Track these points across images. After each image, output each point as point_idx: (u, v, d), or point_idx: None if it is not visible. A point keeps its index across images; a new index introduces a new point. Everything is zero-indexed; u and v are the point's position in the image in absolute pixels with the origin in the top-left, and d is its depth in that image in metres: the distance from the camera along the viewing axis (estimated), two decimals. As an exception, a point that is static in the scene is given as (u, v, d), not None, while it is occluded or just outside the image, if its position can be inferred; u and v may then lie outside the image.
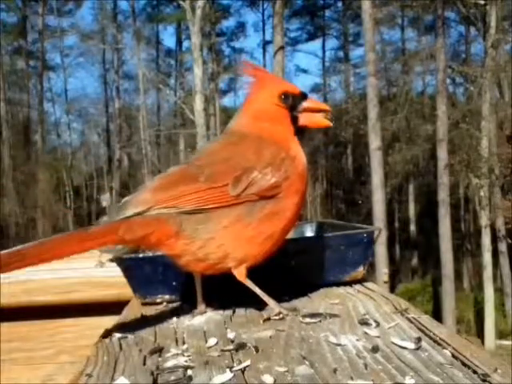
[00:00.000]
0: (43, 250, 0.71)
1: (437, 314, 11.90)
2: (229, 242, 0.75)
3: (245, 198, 0.75)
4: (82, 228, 0.73)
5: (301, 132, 0.83)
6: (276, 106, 0.81)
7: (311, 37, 21.70)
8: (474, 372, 0.54)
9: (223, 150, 0.80)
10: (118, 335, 0.74)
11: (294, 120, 0.82)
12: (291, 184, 0.78)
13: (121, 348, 0.70)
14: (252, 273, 0.78)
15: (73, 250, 0.72)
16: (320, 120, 0.83)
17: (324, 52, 21.66)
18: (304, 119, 0.82)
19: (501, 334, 12.29)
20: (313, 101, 0.82)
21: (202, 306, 0.83)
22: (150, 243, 0.76)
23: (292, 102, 0.81)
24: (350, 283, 0.93)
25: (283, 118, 0.81)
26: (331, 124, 0.83)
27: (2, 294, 1.27)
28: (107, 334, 0.76)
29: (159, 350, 0.66)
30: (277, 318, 0.76)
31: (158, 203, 0.73)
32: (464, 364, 0.56)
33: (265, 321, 0.75)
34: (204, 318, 0.80)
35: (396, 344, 0.63)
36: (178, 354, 0.64)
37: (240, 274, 0.77)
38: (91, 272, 1.35)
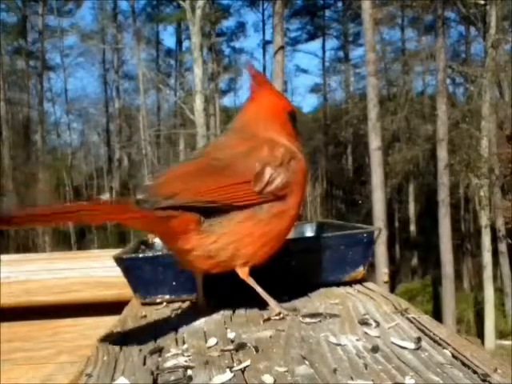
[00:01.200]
0: (83, 207, 0.67)
1: (437, 314, 11.91)
2: (240, 238, 0.75)
3: (264, 197, 0.76)
4: (119, 199, 0.73)
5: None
6: (286, 118, 0.86)
7: (311, 37, 21.73)
8: (474, 372, 0.54)
9: (240, 146, 0.80)
10: (118, 335, 0.74)
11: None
12: (296, 183, 0.80)
13: (121, 348, 0.69)
14: (252, 273, 0.78)
15: (106, 218, 0.76)
16: None
17: (324, 52, 21.70)
18: None
19: (501, 334, 12.30)
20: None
21: (202, 306, 0.83)
22: (170, 231, 0.74)
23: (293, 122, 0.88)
24: (349, 283, 0.93)
25: (290, 129, 0.86)
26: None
27: (1, 294, 1.27)
28: (107, 333, 0.76)
29: (159, 350, 0.66)
30: (277, 318, 0.76)
31: (183, 193, 0.72)
32: (464, 364, 0.56)
33: (265, 321, 0.75)
34: (204, 318, 0.80)
35: (396, 344, 0.62)
36: (177, 354, 0.64)
37: (243, 272, 0.77)
38: (91, 272, 1.35)
